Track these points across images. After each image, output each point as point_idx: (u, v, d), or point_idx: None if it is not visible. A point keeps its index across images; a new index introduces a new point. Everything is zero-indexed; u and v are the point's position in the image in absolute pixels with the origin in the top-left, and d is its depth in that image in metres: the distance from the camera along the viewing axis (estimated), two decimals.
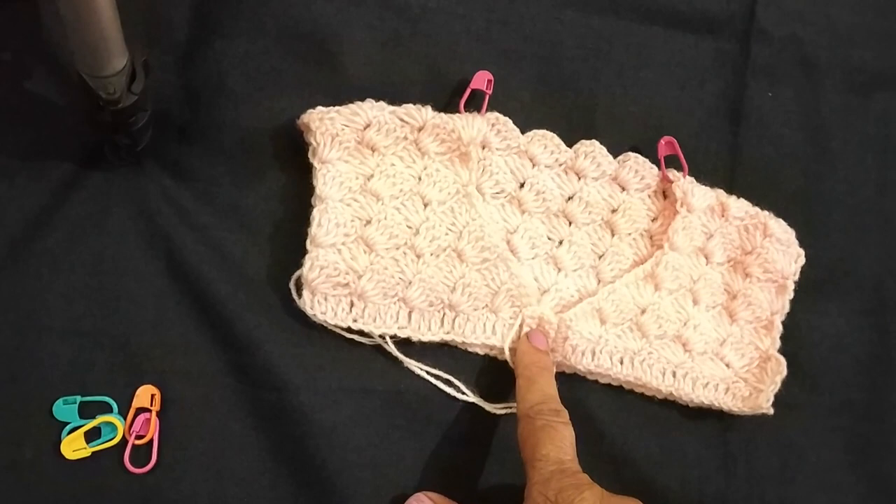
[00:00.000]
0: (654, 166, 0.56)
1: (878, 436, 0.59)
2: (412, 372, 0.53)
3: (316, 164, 0.51)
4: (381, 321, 0.52)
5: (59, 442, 0.49)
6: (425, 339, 0.53)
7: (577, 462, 0.48)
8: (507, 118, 0.54)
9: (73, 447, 0.49)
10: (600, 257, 0.56)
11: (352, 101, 0.52)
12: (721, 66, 0.60)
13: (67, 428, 0.50)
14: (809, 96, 0.61)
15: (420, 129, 0.53)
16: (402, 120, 0.52)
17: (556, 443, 0.48)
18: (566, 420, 0.49)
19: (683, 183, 0.55)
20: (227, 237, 0.53)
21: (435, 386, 0.53)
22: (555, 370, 0.53)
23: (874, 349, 0.60)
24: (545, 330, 0.54)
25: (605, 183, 0.56)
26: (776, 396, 0.56)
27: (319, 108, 0.51)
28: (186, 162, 0.53)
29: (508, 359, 0.54)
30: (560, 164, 0.56)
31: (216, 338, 0.52)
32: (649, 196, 0.57)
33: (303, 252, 0.51)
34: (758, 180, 0.59)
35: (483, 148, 0.54)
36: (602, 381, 0.56)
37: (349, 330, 0.52)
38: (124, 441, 0.50)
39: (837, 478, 0.58)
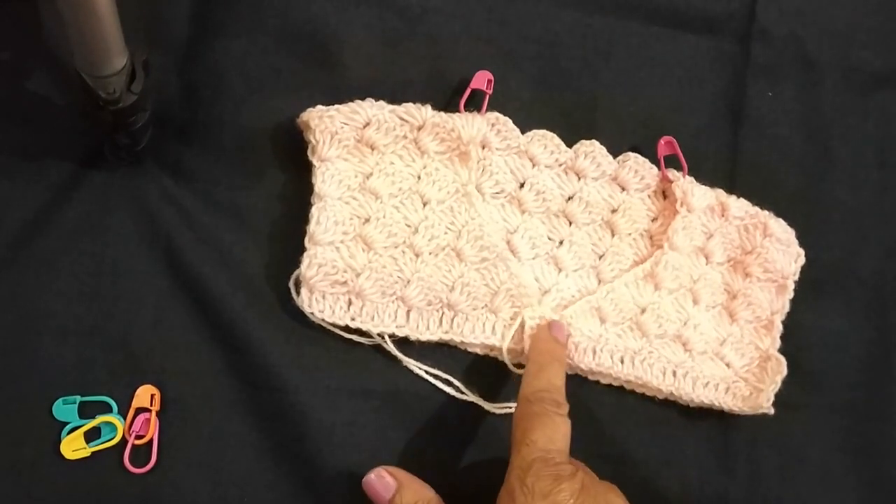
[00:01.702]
0: (653, 166, 0.56)
1: (878, 436, 0.59)
2: (411, 372, 0.53)
3: (315, 162, 0.51)
4: (379, 319, 0.52)
5: (59, 442, 0.49)
6: (424, 338, 0.53)
7: (565, 455, 0.46)
8: (507, 118, 0.54)
9: (73, 447, 0.49)
10: (601, 257, 0.56)
11: (352, 101, 0.52)
12: (721, 66, 0.60)
13: (67, 428, 0.50)
14: (809, 96, 0.61)
15: (420, 128, 0.53)
16: (401, 119, 0.52)
17: (547, 431, 0.46)
18: (564, 413, 0.48)
19: (683, 183, 0.55)
20: (227, 237, 0.53)
21: (434, 386, 0.53)
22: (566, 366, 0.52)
23: (874, 349, 0.59)
24: (567, 324, 0.53)
25: (605, 183, 0.56)
26: (776, 396, 0.55)
27: (319, 106, 0.51)
28: (186, 162, 0.53)
29: (507, 360, 0.54)
30: (560, 164, 0.56)
31: (216, 338, 0.52)
32: (649, 196, 0.57)
33: (303, 251, 0.51)
34: (758, 180, 0.59)
35: (483, 148, 0.54)
36: (603, 381, 0.56)
37: (348, 329, 0.52)
38: (124, 441, 0.50)
39: (837, 478, 0.58)
